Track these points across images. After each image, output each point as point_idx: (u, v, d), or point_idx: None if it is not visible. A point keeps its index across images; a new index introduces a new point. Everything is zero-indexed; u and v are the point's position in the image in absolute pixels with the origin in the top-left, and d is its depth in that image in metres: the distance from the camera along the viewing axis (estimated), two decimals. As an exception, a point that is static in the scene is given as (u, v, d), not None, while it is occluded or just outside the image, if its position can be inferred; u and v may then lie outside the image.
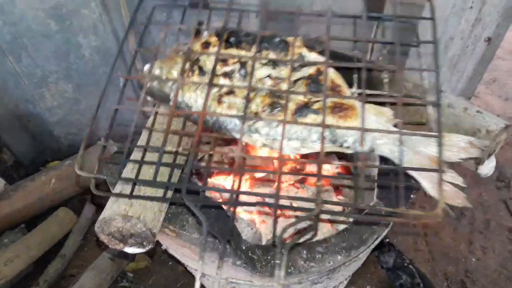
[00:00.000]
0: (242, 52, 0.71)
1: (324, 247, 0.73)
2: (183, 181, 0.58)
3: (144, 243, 0.67)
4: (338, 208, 0.83)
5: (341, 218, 0.87)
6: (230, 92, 0.68)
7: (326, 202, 0.58)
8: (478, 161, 0.73)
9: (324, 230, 0.91)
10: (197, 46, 0.73)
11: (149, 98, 0.74)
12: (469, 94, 1.91)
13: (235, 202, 0.61)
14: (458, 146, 0.61)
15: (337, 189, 1.05)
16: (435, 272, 1.29)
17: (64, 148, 1.56)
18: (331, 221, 0.89)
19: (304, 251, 0.73)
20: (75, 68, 1.29)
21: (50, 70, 1.27)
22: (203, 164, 0.80)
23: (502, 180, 1.55)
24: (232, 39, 0.72)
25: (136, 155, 0.74)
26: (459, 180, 0.59)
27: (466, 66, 1.71)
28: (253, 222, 0.91)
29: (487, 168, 0.76)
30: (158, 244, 0.80)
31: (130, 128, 0.65)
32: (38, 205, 1.37)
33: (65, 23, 1.17)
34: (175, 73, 0.71)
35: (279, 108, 0.65)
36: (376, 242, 0.80)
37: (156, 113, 0.76)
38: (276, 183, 0.58)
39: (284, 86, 0.68)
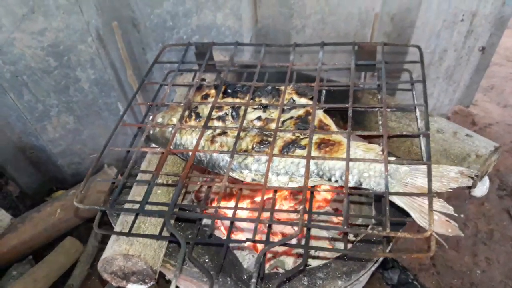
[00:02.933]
0: (237, 100, 0.74)
1: (324, 272, 0.75)
2: (167, 211, 0.60)
3: (146, 280, 0.69)
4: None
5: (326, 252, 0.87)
6: (223, 133, 0.71)
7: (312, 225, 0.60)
8: (471, 186, 0.74)
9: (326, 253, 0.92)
10: (197, 98, 0.77)
11: (153, 144, 0.77)
12: (467, 103, 1.92)
13: (227, 240, 0.63)
14: (448, 177, 0.63)
15: (336, 210, 1.07)
16: (440, 287, 1.29)
17: (68, 177, 1.59)
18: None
19: (305, 278, 0.74)
20: (76, 101, 1.32)
21: (51, 104, 1.30)
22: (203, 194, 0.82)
23: (504, 189, 1.56)
24: (229, 90, 0.76)
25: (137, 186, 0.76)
26: (449, 209, 0.60)
27: (462, 75, 1.73)
28: (254, 248, 0.93)
29: (481, 189, 0.77)
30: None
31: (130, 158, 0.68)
32: (44, 235, 1.39)
33: (63, 59, 1.20)
34: (175, 120, 0.74)
35: (267, 144, 0.67)
36: (377, 264, 0.82)
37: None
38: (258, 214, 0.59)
39: (273, 126, 0.70)
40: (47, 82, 1.24)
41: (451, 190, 0.62)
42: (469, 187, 0.75)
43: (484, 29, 1.59)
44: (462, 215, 1.49)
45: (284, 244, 0.59)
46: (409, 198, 0.61)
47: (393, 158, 0.66)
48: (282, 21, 1.34)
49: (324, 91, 0.81)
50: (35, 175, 1.55)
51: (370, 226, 0.79)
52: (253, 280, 0.55)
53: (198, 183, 0.71)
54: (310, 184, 0.66)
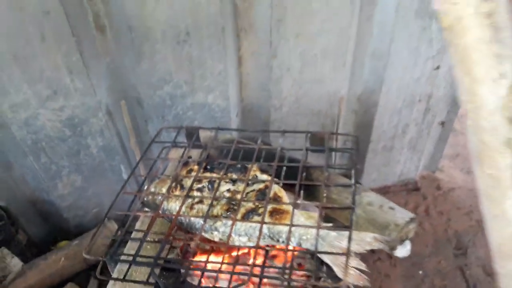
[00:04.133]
0: (214, 175, 0.97)
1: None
2: (152, 262, 0.81)
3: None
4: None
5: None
6: (200, 201, 0.93)
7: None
8: (391, 247, 0.94)
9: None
10: (183, 172, 0.99)
11: (146, 209, 0.99)
12: (433, 169, 2.14)
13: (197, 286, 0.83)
14: (364, 241, 0.83)
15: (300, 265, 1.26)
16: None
17: (72, 228, 1.78)
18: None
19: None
20: (84, 163, 1.55)
21: (63, 165, 1.53)
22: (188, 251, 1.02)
23: (460, 248, 1.74)
24: (208, 167, 0.99)
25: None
26: (362, 266, 0.79)
27: (425, 145, 1.96)
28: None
29: (403, 251, 0.97)
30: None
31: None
32: (49, 281, 1.57)
33: (76, 129, 1.44)
34: (164, 190, 0.96)
35: (232, 211, 0.88)
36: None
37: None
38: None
39: (239, 196, 0.92)
40: (61, 148, 1.47)
41: (366, 252, 0.82)
42: (391, 249, 0.96)
43: (441, 107, 1.84)
44: (420, 272, 1.67)
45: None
46: (333, 257, 0.81)
47: (329, 225, 0.87)
48: (263, 100, 1.59)
49: (284, 168, 1.03)
50: (42, 226, 1.75)
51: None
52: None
53: (179, 241, 0.92)
54: (262, 243, 0.86)
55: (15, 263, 1.44)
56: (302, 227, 0.85)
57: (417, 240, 1.84)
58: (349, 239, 0.81)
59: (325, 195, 1.02)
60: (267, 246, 0.90)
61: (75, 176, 1.59)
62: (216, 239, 0.88)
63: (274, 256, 0.98)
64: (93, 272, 1.65)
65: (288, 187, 0.99)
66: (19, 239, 1.69)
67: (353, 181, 0.94)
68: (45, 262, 1.59)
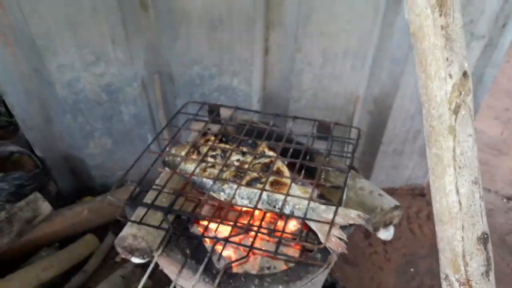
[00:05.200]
0: (227, 146, 1.11)
1: (271, 278, 1.06)
2: (165, 208, 0.95)
3: (144, 256, 1.02)
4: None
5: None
6: (212, 166, 1.06)
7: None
8: (375, 228, 1.05)
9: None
10: (201, 141, 1.14)
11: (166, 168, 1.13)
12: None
13: (201, 235, 0.97)
14: (349, 216, 0.95)
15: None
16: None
17: (97, 186, 1.96)
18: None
19: (256, 280, 1.06)
20: (116, 128, 1.71)
21: (96, 128, 1.70)
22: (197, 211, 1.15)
23: (453, 254, 1.83)
24: (224, 139, 1.13)
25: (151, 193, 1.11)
26: (343, 236, 0.91)
27: (434, 154, 2.05)
28: (229, 258, 1.24)
29: (385, 234, 1.07)
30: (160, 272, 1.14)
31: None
32: (71, 229, 1.75)
33: (113, 95, 1.60)
34: (183, 153, 1.10)
35: (238, 178, 1.02)
36: (314, 279, 1.12)
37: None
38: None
39: (246, 166, 1.05)
40: (97, 111, 1.63)
41: (350, 225, 0.94)
42: (374, 229, 1.07)
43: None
44: (412, 269, 1.77)
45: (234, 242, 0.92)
46: (319, 225, 0.93)
47: (321, 200, 0.99)
48: (283, 91, 1.72)
49: (291, 150, 1.15)
50: (71, 180, 1.93)
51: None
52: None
53: (191, 195, 1.06)
54: (260, 207, 0.99)
55: (46, 207, 1.62)
56: (296, 198, 0.98)
57: (415, 241, 1.94)
58: (335, 212, 0.93)
59: (323, 176, 1.14)
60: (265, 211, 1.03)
61: (106, 139, 1.75)
62: (222, 199, 1.02)
63: (270, 222, 1.10)
64: (111, 226, 1.83)
65: (292, 167, 1.11)
66: (49, 189, 1.87)
67: (347, 165, 1.06)
68: (70, 211, 1.77)
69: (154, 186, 1.11)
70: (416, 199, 2.14)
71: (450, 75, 0.62)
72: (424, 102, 0.68)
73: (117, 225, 1.80)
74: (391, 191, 2.12)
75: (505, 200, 2.12)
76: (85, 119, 1.65)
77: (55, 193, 1.92)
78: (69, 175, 1.90)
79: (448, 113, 0.63)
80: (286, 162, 1.11)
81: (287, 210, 0.98)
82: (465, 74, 0.63)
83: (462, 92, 0.63)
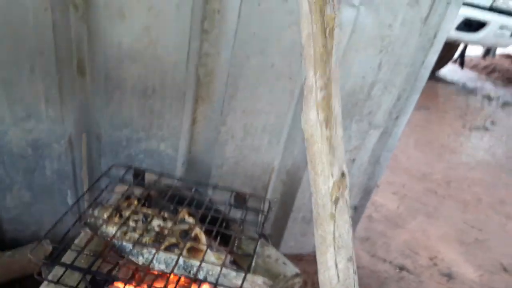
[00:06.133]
0: (149, 211, 1.20)
1: None
2: (85, 269, 1.00)
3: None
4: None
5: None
6: (133, 230, 1.14)
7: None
8: (278, 294, 1.18)
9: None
10: (125, 204, 1.21)
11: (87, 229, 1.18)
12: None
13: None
14: (255, 283, 1.07)
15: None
16: None
17: (7, 240, 1.89)
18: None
19: None
20: (36, 182, 1.71)
21: (16, 181, 1.68)
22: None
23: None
24: (146, 204, 1.22)
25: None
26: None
27: (339, 223, 2.27)
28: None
29: (288, 299, 1.21)
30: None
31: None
32: (-28, 285, 1.66)
33: (38, 150, 1.62)
34: (105, 215, 1.17)
35: (158, 243, 1.11)
36: None
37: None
38: None
39: (166, 232, 1.14)
40: (20, 164, 1.64)
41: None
42: (278, 295, 1.19)
43: (355, 193, 2.17)
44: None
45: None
46: (229, 291, 1.04)
47: (233, 267, 1.11)
48: (208, 157, 1.85)
49: (209, 216, 1.27)
50: (-21, 233, 1.85)
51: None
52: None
53: (110, 258, 1.12)
54: (176, 272, 1.08)
55: None
56: (210, 264, 1.08)
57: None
58: (244, 279, 1.05)
59: (236, 243, 1.26)
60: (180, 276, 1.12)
61: (25, 192, 1.74)
62: (140, 263, 1.09)
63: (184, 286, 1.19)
64: (17, 283, 1.76)
65: (209, 233, 1.22)
66: (-48, 241, 1.78)
67: (257, 235, 1.19)
68: (-27, 266, 1.69)
69: (73, 247, 1.15)
70: (322, 264, 2.31)
71: (332, 174, 0.80)
72: (313, 192, 0.85)
73: (23, 283, 1.75)
74: (299, 257, 2.28)
75: (397, 269, 2.37)
76: (5, 171, 1.64)
77: (-43, 245, 1.82)
78: (-24, 227, 1.83)
79: (329, 203, 0.80)
80: (203, 229, 1.22)
81: (201, 276, 1.08)
82: (343, 174, 0.81)
83: (341, 188, 0.81)
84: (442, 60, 6.89)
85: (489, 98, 6.69)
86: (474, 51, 9.93)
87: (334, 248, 0.81)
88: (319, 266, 0.86)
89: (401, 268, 2.40)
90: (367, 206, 2.58)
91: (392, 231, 2.70)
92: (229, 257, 1.15)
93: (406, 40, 1.70)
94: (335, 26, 0.80)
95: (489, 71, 9.23)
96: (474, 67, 9.01)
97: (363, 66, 1.72)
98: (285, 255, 1.94)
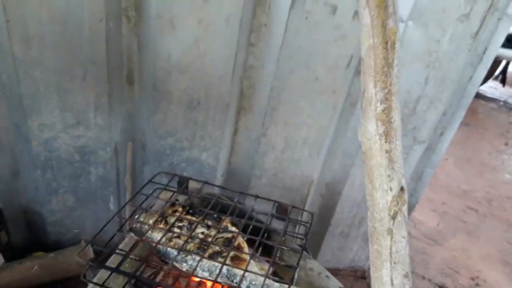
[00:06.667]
0: (194, 218, 1.21)
1: None
2: (131, 274, 1.01)
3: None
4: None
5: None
6: (178, 236, 1.15)
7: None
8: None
9: None
10: (170, 211, 1.23)
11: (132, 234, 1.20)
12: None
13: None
14: (298, 295, 1.06)
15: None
16: None
17: (50, 242, 1.95)
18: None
19: None
20: (81, 187, 1.77)
21: (62, 185, 1.74)
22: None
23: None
24: (190, 211, 1.24)
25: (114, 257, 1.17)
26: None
27: (377, 239, 2.22)
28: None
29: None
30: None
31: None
32: (19, 285, 1.72)
33: (85, 156, 1.68)
34: (151, 221, 1.19)
35: (201, 250, 1.11)
36: None
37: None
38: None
39: (210, 239, 1.15)
40: (67, 169, 1.70)
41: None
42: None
43: (395, 209, 2.13)
44: None
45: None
46: (273, 302, 1.03)
47: (276, 278, 1.10)
48: (247, 168, 1.86)
49: (251, 226, 1.27)
50: (25, 233, 1.92)
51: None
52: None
53: (155, 263, 1.13)
54: (220, 280, 1.08)
55: (-1, 259, 1.61)
56: (253, 274, 1.08)
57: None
58: (287, 291, 1.04)
59: (278, 254, 1.26)
60: (223, 284, 1.12)
61: (69, 196, 1.79)
62: (184, 269, 1.10)
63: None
64: (59, 284, 1.81)
65: (251, 243, 1.22)
66: (0, 240, 1.85)
67: (300, 247, 1.18)
68: (20, 266, 1.75)
69: (117, 251, 1.18)
70: (358, 281, 2.26)
71: (391, 188, 0.79)
72: (369, 206, 0.84)
73: (66, 284, 1.79)
74: (335, 271, 2.24)
75: (436, 287, 2.29)
76: (53, 175, 1.70)
77: (4, 245, 1.89)
78: (23, 228, 1.89)
79: (387, 218, 0.79)
80: (246, 238, 1.22)
81: (244, 285, 1.07)
82: (402, 188, 0.80)
83: (399, 203, 0.79)
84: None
85: (532, 116, 6.44)
86: (516, 68, 9.58)
87: (390, 264, 0.79)
88: (373, 282, 0.84)
89: (441, 286, 2.32)
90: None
91: (431, 248, 2.62)
92: (271, 268, 1.14)
93: (454, 56, 1.67)
94: (397, 40, 0.79)
95: (532, 89, 8.89)
96: (515, 84, 8.71)
97: (410, 81, 1.70)
98: (322, 268, 1.93)
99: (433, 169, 2.00)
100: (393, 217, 0.79)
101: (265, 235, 1.26)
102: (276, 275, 1.22)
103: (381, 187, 0.80)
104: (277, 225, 1.37)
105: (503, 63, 7.05)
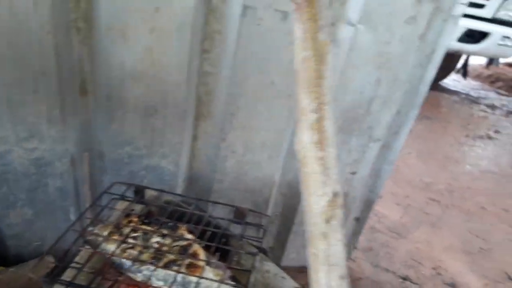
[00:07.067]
0: (149, 227, 1.22)
1: None
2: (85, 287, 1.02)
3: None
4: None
5: None
6: (132, 247, 1.16)
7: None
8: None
9: None
10: (125, 221, 1.24)
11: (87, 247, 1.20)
12: (347, 258, 2.44)
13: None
14: (253, 298, 1.08)
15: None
16: None
17: (10, 256, 1.91)
18: None
19: None
20: (39, 199, 1.74)
21: (20, 198, 1.71)
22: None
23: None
24: (146, 220, 1.24)
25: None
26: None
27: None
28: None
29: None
30: None
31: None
32: (-23, 302, 1.68)
33: (41, 168, 1.65)
34: (105, 233, 1.19)
35: (156, 260, 1.12)
36: None
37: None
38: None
39: (165, 248, 1.16)
40: (23, 182, 1.67)
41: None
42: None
43: (357, 205, 2.19)
44: None
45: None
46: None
47: (231, 283, 1.12)
48: (208, 173, 1.88)
49: (209, 232, 1.29)
50: (-17, 249, 1.88)
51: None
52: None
53: (109, 275, 1.14)
54: (174, 287, 1.10)
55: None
56: (208, 281, 1.10)
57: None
58: (241, 295, 1.06)
59: (235, 259, 1.28)
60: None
61: (28, 209, 1.76)
62: (139, 280, 1.11)
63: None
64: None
65: (209, 249, 1.24)
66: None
67: (256, 250, 1.21)
68: (-22, 283, 1.71)
69: (73, 264, 1.17)
70: (325, 278, 2.31)
71: (325, 194, 0.82)
72: (306, 212, 0.87)
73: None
74: (301, 269, 2.27)
75: (400, 280, 2.36)
76: (9, 189, 1.67)
77: (-38, 261, 1.85)
78: (-19, 244, 1.85)
79: (322, 222, 0.82)
80: (203, 245, 1.23)
81: (200, 292, 1.09)
82: (336, 194, 0.83)
83: (333, 207, 0.83)
84: (445, 70, 6.92)
85: (492, 107, 6.69)
86: (478, 61, 9.96)
87: (327, 266, 0.82)
88: (312, 284, 0.87)
89: (404, 278, 2.39)
90: (370, 217, 2.60)
91: (395, 241, 2.70)
92: (228, 273, 1.16)
93: (403, 57, 1.73)
94: (328, 52, 0.82)
95: (493, 80, 9.24)
96: (477, 77, 9.03)
97: (362, 82, 1.75)
98: (288, 267, 1.97)
99: (391, 165, 2.07)
100: (328, 221, 0.82)
101: (223, 240, 1.28)
102: (235, 280, 1.25)
103: (315, 192, 0.83)
104: (239, 229, 1.40)
105: (464, 57, 7.30)
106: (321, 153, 0.81)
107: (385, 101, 1.82)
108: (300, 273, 2.28)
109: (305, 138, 0.82)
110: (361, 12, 1.59)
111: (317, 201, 0.83)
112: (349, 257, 2.43)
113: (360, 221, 2.28)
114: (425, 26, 1.68)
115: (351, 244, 2.37)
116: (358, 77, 1.73)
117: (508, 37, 6.13)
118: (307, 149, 0.82)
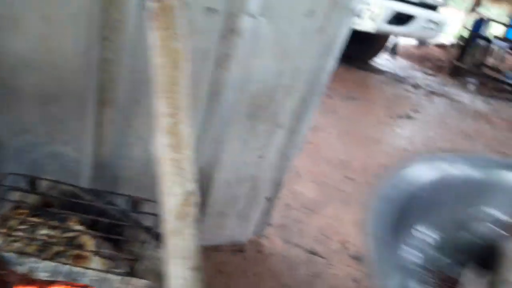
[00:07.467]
0: (37, 219, 1.24)
1: None
2: None
3: None
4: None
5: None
6: (19, 240, 1.18)
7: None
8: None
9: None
10: (13, 214, 1.25)
11: None
12: (259, 233, 2.58)
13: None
14: (138, 286, 1.15)
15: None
16: None
17: None
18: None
19: None
20: None
21: None
22: None
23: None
24: (37, 212, 1.26)
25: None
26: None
27: (253, 216, 2.40)
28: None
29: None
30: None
31: None
32: None
33: None
34: (-9, 225, 1.20)
35: (43, 252, 1.15)
36: None
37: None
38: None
39: (53, 240, 1.19)
40: None
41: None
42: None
43: (267, 186, 2.30)
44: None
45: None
46: (109, 295, 1.11)
47: (117, 271, 1.18)
48: (116, 160, 1.89)
49: (103, 222, 1.32)
50: None
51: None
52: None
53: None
54: (60, 280, 1.14)
55: None
56: (94, 271, 1.15)
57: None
58: (128, 284, 1.12)
59: (127, 248, 1.34)
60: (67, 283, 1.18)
61: None
62: (21, 271, 1.14)
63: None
64: None
65: (102, 240, 1.29)
66: None
67: (146, 238, 1.27)
68: None
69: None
70: (236, 254, 2.42)
71: (179, 193, 0.90)
72: (162, 209, 0.94)
73: None
74: (216, 248, 2.38)
75: (309, 254, 2.54)
76: None
77: None
78: None
79: (176, 219, 0.90)
80: (95, 235, 1.28)
81: (84, 282, 1.14)
82: (189, 193, 0.91)
83: (187, 205, 0.90)
84: (373, 49, 7.22)
85: (416, 86, 7.10)
86: (410, 41, 10.45)
87: (180, 260, 0.90)
88: (167, 278, 0.95)
89: (313, 252, 2.57)
90: (286, 195, 2.75)
91: (308, 218, 2.86)
92: (121, 263, 1.22)
93: (304, 48, 1.82)
94: (183, 59, 0.87)
95: (422, 60, 9.76)
96: (408, 57, 9.48)
97: (265, 72, 1.83)
98: (204, 246, 2.06)
99: (297, 149, 2.19)
100: (182, 218, 0.90)
101: (118, 230, 1.32)
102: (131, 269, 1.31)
103: (170, 192, 0.90)
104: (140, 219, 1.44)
105: (394, 38, 7.64)
106: (176, 155, 0.88)
107: (288, 89, 1.91)
108: (215, 251, 2.40)
109: (161, 141, 0.88)
110: (262, 5, 1.65)
111: (171, 200, 0.90)
112: (262, 234, 2.56)
113: (271, 200, 2.40)
114: (323, 19, 1.78)
115: (264, 222, 2.50)
116: (261, 67, 1.80)
117: (432, 20, 6.51)
118: (163, 151, 0.88)
